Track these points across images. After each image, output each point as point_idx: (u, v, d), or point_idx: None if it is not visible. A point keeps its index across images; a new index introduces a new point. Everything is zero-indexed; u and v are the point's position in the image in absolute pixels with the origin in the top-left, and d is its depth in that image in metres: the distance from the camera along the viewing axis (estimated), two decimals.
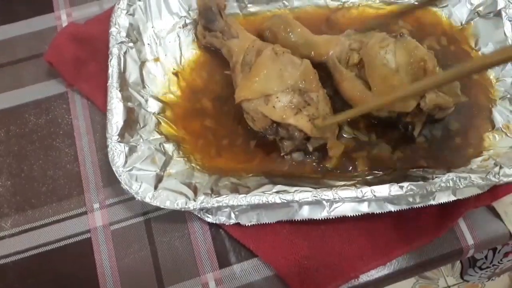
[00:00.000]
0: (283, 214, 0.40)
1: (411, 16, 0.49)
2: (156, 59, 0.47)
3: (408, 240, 0.40)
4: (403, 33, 0.42)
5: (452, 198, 0.40)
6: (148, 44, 0.46)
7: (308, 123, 0.39)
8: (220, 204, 0.38)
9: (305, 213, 0.40)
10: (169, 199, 0.38)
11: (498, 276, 0.65)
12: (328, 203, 0.40)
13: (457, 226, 0.41)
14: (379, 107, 0.38)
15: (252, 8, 0.50)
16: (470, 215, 0.41)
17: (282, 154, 0.42)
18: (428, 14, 0.50)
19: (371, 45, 0.41)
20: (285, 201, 0.37)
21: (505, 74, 0.45)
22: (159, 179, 0.40)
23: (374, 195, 0.37)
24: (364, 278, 0.40)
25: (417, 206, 0.40)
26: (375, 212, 0.39)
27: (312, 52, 0.45)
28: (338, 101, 0.43)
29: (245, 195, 0.38)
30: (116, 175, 0.38)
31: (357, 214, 0.39)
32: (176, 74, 0.47)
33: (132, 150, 0.40)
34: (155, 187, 0.39)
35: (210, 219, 0.40)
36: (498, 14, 0.47)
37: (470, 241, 0.41)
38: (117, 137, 0.40)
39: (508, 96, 0.44)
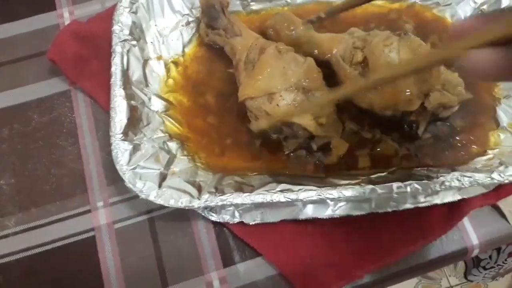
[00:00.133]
0: (287, 213, 0.40)
1: (414, 13, 0.49)
2: (159, 57, 0.46)
3: (413, 239, 0.40)
4: (407, 31, 0.42)
5: (457, 197, 0.40)
6: (151, 42, 0.46)
7: (312, 121, 0.39)
8: (224, 202, 0.37)
9: (309, 212, 0.40)
10: (173, 197, 0.38)
11: (502, 276, 0.65)
12: (333, 202, 0.39)
13: (462, 225, 0.41)
14: (373, 85, 0.36)
15: (254, 6, 0.50)
16: (475, 214, 0.41)
17: (286, 153, 0.42)
18: (431, 11, 0.50)
19: (375, 43, 0.40)
20: (290, 200, 0.37)
21: None
22: (163, 178, 0.39)
23: (379, 194, 0.37)
24: (368, 277, 0.39)
25: (422, 205, 0.39)
26: (380, 211, 0.39)
27: (316, 50, 0.44)
28: (344, 101, 0.43)
29: (249, 193, 0.38)
30: (120, 173, 0.38)
31: (361, 213, 0.39)
32: (175, 63, 0.47)
33: (136, 148, 0.40)
34: (159, 186, 0.39)
35: (214, 217, 0.40)
36: (502, 12, 0.46)
37: (475, 240, 0.41)
38: (121, 135, 0.40)
39: None
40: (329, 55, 0.44)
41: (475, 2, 0.48)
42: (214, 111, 0.45)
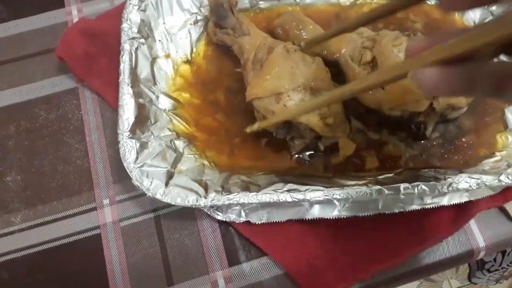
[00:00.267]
0: (294, 213, 0.40)
1: (422, 13, 0.49)
2: (167, 56, 0.46)
3: (419, 240, 0.40)
4: (416, 31, 0.42)
5: (464, 199, 0.39)
6: (159, 40, 0.46)
7: (319, 121, 0.39)
8: (231, 201, 0.37)
9: (316, 212, 0.40)
10: (180, 196, 0.38)
11: (506, 279, 0.65)
12: (339, 203, 0.39)
13: (468, 227, 0.41)
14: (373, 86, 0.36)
15: (263, 5, 0.50)
16: (482, 216, 0.41)
17: (292, 153, 0.42)
18: (440, 12, 0.50)
19: (384, 43, 0.40)
20: (296, 200, 0.37)
21: None
22: (170, 176, 0.39)
23: (386, 195, 0.37)
24: (373, 278, 0.39)
25: (429, 206, 0.39)
26: (387, 212, 0.39)
27: (325, 50, 0.44)
28: (350, 101, 0.43)
29: (256, 193, 0.38)
30: (127, 171, 0.38)
31: (368, 214, 0.39)
32: (184, 61, 0.47)
33: (143, 146, 0.40)
34: (166, 184, 0.39)
35: (220, 216, 0.40)
36: None
37: (481, 243, 0.40)
38: (129, 133, 0.40)
39: None
40: (337, 55, 0.44)
41: None
42: (223, 109, 0.45)
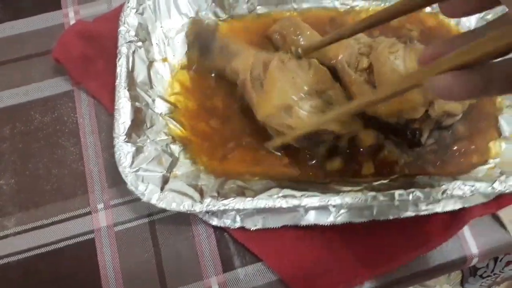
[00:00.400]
0: (289, 218, 0.40)
1: (417, 20, 0.50)
2: (164, 59, 0.46)
3: (413, 246, 0.40)
4: (413, 38, 0.42)
5: (458, 206, 0.40)
6: (156, 44, 0.46)
7: (336, 122, 0.38)
8: (226, 207, 0.37)
9: (311, 218, 0.40)
10: (175, 201, 0.38)
11: (498, 286, 0.65)
12: (335, 209, 0.39)
13: (462, 234, 0.41)
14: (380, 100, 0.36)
15: (260, 10, 0.50)
16: (475, 223, 0.41)
17: (314, 161, 0.42)
18: (435, 19, 0.50)
19: (380, 50, 0.41)
20: (292, 206, 0.37)
21: None
22: (165, 181, 0.39)
23: (381, 202, 0.37)
24: (368, 284, 0.39)
25: (423, 213, 0.40)
26: (381, 219, 0.39)
27: (322, 56, 0.44)
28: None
29: (251, 198, 0.38)
30: (123, 175, 0.38)
31: (363, 220, 0.39)
32: (185, 67, 0.46)
33: (138, 150, 0.40)
34: (161, 189, 0.38)
35: (215, 222, 0.40)
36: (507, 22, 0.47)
37: (475, 250, 0.41)
38: (124, 137, 0.39)
39: None
40: (334, 61, 0.44)
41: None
42: (219, 114, 0.45)
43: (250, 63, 0.42)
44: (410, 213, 0.40)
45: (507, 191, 0.38)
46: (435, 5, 0.47)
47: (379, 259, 0.39)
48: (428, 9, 0.50)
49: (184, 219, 0.41)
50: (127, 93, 0.41)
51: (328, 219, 0.40)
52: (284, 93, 0.39)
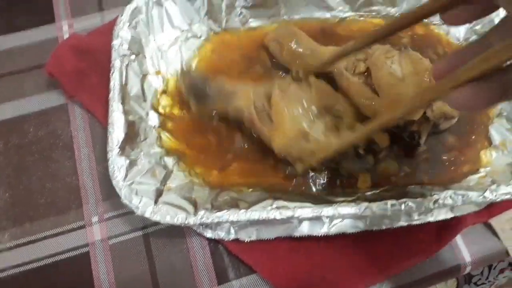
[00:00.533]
0: (283, 230, 0.40)
1: (409, 32, 0.50)
2: (158, 72, 0.47)
3: (406, 256, 0.40)
4: (407, 45, 0.43)
5: (450, 215, 0.40)
6: (150, 57, 0.46)
7: (353, 134, 0.39)
8: (220, 219, 0.37)
9: (305, 229, 0.40)
10: (169, 214, 0.38)
11: None
12: (328, 219, 0.40)
13: (455, 243, 0.41)
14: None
15: (253, 23, 0.50)
16: (468, 232, 0.41)
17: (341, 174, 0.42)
18: (425, 27, 0.51)
19: (377, 55, 0.41)
20: (285, 217, 0.37)
21: None
22: (159, 193, 0.39)
23: (374, 212, 0.37)
24: None
25: (415, 222, 0.40)
26: (374, 229, 0.40)
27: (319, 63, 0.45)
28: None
29: (245, 210, 0.38)
30: (116, 189, 0.38)
31: (357, 231, 0.40)
32: (164, 91, 0.46)
33: (132, 163, 0.40)
34: (155, 202, 0.39)
35: (209, 234, 0.40)
36: None
37: (468, 258, 0.41)
38: (118, 150, 0.40)
39: (505, 113, 0.45)
40: (331, 67, 0.44)
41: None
42: (214, 127, 0.45)
43: (251, 98, 0.42)
44: (402, 223, 0.40)
45: (498, 199, 0.38)
46: None
47: (374, 269, 0.40)
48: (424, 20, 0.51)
49: (178, 232, 0.41)
50: (120, 107, 0.41)
51: (322, 230, 0.40)
52: (295, 121, 0.39)
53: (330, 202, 0.39)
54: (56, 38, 0.51)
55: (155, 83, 0.46)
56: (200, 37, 0.49)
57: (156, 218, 0.38)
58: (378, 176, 0.43)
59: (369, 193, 0.41)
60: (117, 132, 0.40)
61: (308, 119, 0.39)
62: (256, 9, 0.50)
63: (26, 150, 0.45)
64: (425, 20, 0.50)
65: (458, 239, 0.41)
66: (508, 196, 0.38)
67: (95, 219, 0.42)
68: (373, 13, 0.51)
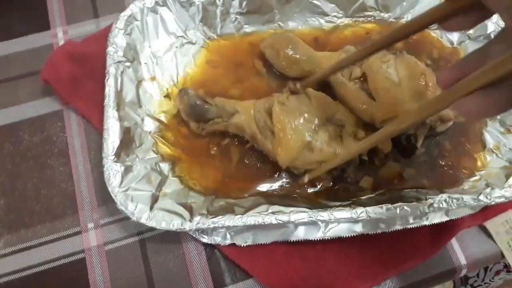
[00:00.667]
0: (279, 234, 0.40)
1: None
2: (153, 78, 0.47)
3: (402, 259, 0.40)
4: (402, 50, 0.44)
5: (445, 218, 0.40)
6: (145, 63, 0.47)
7: (356, 142, 0.39)
8: (216, 225, 0.38)
9: (301, 233, 0.40)
10: (164, 219, 0.38)
11: None
12: (324, 224, 0.40)
13: (450, 246, 0.41)
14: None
15: (248, 29, 0.50)
16: (463, 235, 0.42)
17: (348, 180, 0.42)
18: (420, 34, 0.51)
19: (372, 60, 0.42)
20: (281, 222, 0.37)
21: None
22: (154, 199, 0.39)
23: (369, 216, 0.38)
24: None
25: (411, 226, 0.40)
26: (370, 233, 0.40)
27: (315, 69, 0.45)
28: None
29: (241, 215, 0.38)
30: (112, 195, 0.38)
31: (352, 235, 0.40)
32: (167, 96, 0.47)
33: (128, 169, 0.40)
34: (151, 208, 0.39)
35: (205, 239, 0.40)
36: (488, 37, 0.48)
37: (463, 260, 0.41)
38: (113, 156, 0.40)
39: (498, 117, 0.45)
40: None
41: None
42: (214, 141, 0.45)
43: (252, 115, 0.42)
44: (398, 227, 0.40)
45: (493, 203, 0.38)
46: None
47: (370, 272, 0.40)
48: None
49: (174, 237, 0.41)
50: (115, 113, 0.41)
51: (318, 234, 0.40)
52: (298, 133, 0.39)
53: (326, 207, 0.39)
54: (51, 45, 0.51)
55: (150, 88, 0.46)
56: (195, 43, 0.49)
57: (151, 224, 0.38)
58: (381, 179, 0.43)
59: (364, 197, 0.41)
60: (112, 138, 0.40)
61: (310, 130, 0.39)
62: (251, 15, 0.50)
63: (21, 157, 0.45)
64: None
65: (454, 242, 0.42)
66: (502, 199, 0.38)
67: (91, 225, 0.42)
68: (368, 18, 0.51)
